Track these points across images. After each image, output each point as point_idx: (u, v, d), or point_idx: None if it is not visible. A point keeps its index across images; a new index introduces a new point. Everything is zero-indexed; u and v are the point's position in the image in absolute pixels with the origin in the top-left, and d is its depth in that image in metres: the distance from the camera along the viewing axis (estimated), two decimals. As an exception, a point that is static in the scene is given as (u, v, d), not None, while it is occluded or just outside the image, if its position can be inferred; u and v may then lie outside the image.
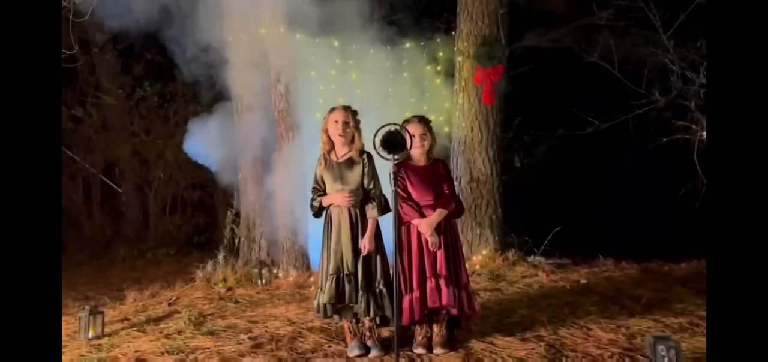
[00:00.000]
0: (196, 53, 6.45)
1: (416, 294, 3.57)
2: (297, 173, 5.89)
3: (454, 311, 3.57)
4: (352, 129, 3.66)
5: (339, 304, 3.58)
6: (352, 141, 3.66)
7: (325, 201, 3.65)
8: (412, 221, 3.63)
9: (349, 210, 3.61)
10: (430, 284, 3.57)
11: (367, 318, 3.59)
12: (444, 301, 3.54)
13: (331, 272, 3.58)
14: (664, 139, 6.65)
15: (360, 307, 3.54)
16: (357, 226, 3.60)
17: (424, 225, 3.60)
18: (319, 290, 3.69)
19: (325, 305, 3.59)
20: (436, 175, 3.73)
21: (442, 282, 3.56)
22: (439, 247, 3.61)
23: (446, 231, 3.67)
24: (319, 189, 3.70)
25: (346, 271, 3.56)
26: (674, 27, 6.20)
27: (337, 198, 3.61)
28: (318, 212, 3.71)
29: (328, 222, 3.66)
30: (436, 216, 3.62)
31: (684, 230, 6.14)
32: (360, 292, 3.54)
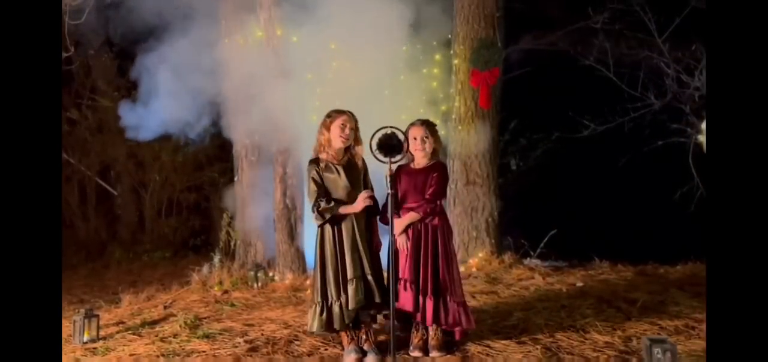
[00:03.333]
0: (192, 55, 6.42)
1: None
2: (295, 178, 5.90)
3: (417, 316, 3.56)
4: (355, 134, 3.65)
5: (367, 307, 3.56)
6: (353, 145, 3.66)
7: (344, 209, 3.51)
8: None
9: (359, 212, 3.58)
10: (400, 284, 3.59)
11: (367, 320, 3.62)
12: (402, 302, 3.54)
13: (352, 276, 3.51)
14: (660, 142, 6.70)
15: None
16: (366, 227, 3.62)
17: (395, 226, 3.58)
18: (319, 303, 3.56)
19: (351, 310, 3.49)
20: (428, 178, 3.68)
21: (403, 285, 3.57)
22: (406, 250, 3.59)
23: (425, 236, 3.61)
24: (322, 194, 3.56)
25: (369, 271, 3.55)
26: (669, 30, 6.24)
27: (359, 204, 3.51)
28: (329, 219, 3.54)
29: (337, 227, 3.57)
30: (406, 218, 3.61)
31: (680, 232, 6.17)
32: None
